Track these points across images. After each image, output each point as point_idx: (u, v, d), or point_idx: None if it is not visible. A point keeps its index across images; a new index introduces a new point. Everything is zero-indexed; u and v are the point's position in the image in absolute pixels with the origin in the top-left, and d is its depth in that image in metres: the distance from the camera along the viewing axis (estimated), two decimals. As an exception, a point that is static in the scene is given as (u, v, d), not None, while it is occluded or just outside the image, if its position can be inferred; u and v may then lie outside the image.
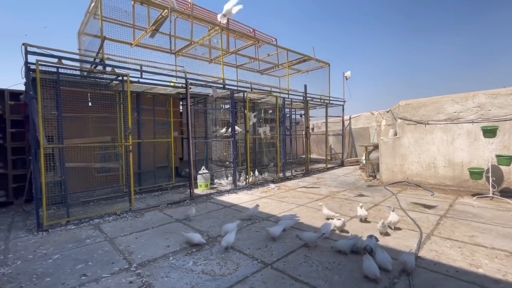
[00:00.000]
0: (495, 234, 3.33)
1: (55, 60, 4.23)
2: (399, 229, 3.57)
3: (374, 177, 7.60)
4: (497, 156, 5.03)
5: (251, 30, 8.72)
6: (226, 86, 6.61)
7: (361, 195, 5.63)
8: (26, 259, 3.01)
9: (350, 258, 2.79)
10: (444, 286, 2.26)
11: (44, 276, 2.63)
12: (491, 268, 2.51)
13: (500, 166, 5.15)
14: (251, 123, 7.55)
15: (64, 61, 4.34)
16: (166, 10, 5.59)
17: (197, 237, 3.21)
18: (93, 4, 5.24)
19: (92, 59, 5.19)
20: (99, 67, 5.01)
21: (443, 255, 2.80)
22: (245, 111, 7.06)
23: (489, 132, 5.03)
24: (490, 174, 5.08)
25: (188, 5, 7.29)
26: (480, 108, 5.54)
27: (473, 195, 5.25)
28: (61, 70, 4.34)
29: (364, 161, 8.36)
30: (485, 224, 3.69)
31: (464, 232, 3.44)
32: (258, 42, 8.17)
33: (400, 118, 6.67)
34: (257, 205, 4.36)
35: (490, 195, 5.01)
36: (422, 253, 2.87)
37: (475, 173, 5.20)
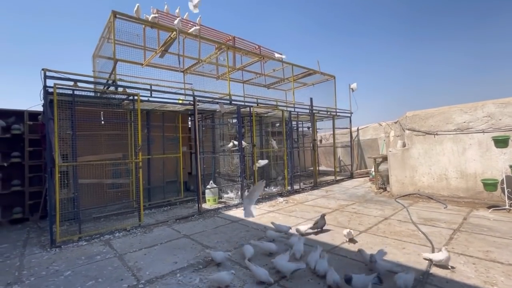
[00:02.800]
0: (512, 249, 3.20)
1: (71, 83, 4.50)
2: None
3: (385, 189, 7.45)
4: (511, 166, 4.88)
5: (257, 47, 8.97)
6: (233, 102, 6.77)
7: (371, 208, 5.53)
8: (40, 275, 3.10)
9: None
10: (457, 305, 2.18)
11: (55, 292, 2.69)
12: (507, 286, 2.41)
13: (515, 177, 4.99)
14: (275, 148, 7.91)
15: (79, 84, 4.60)
16: (175, 32, 5.88)
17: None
18: (106, 30, 5.58)
19: (105, 81, 5.47)
20: (112, 88, 5.27)
21: (456, 272, 2.71)
22: (252, 126, 7.17)
23: (501, 142, 4.91)
24: (505, 186, 4.92)
25: (196, 26, 7.63)
26: (490, 117, 5.44)
27: (489, 207, 5.07)
28: (76, 92, 4.60)
29: (373, 173, 8.23)
30: (502, 239, 3.55)
31: (479, 247, 3.32)
32: (264, 58, 8.39)
33: (408, 129, 6.61)
34: (290, 227, 4.19)
35: (507, 207, 4.82)
36: (434, 270, 2.78)
37: (489, 185, 5.04)
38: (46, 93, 4.24)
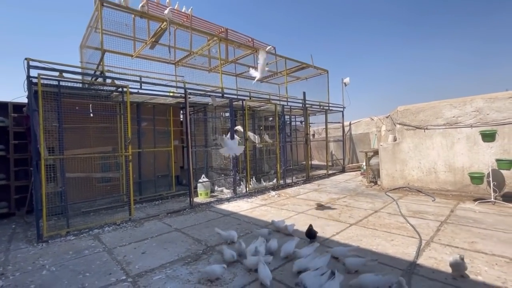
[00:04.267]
0: (496, 240, 3.29)
1: (57, 73, 4.34)
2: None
3: (375, 183, 7.55)
4: (497, 160, 4.99)
5: (250, 40, 8.87)
6: (225, 95, 6.69)
7: (361, 202, 5.60)
8: (25, 270, 3.03)
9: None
10: (442, 295, 2.24)
11: (42, 288, 2.64)
12: (490, 276, 2.48)
13: (501, 171, 5.11)
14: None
15: (65, 74, 4.45)
16: (165, 23, 5.73)
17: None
18: (94, 19, 5.39)
19: (93, 72, 5.31)
20: (100, 79, 5.12)
21: (442, 263, 2.77)
22: (245, 119, 7.12)
23: (488, 137, 5.01)
24: (491, 179, 5.04)
25: (187, 16, 7.47)
26: (478, 112, 5.54)
27: (475, 200, 5.20)
28: (62, 83, 4.45)
29: (365, 167, 8.33)
30: (486, 230, 3.65)
31: (465, 238, 3.40)
32: (257, 51, 8.29)
33: (399, 124, 6.68)
34: (283, 221, 4.09)
35: (492, 200, 4.96)
36: (421, 261, 2.84)
37: (476, 178, 5.16)
38: (30, 83, 4.08)
